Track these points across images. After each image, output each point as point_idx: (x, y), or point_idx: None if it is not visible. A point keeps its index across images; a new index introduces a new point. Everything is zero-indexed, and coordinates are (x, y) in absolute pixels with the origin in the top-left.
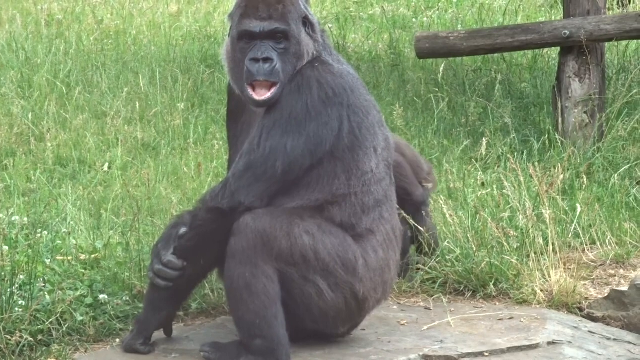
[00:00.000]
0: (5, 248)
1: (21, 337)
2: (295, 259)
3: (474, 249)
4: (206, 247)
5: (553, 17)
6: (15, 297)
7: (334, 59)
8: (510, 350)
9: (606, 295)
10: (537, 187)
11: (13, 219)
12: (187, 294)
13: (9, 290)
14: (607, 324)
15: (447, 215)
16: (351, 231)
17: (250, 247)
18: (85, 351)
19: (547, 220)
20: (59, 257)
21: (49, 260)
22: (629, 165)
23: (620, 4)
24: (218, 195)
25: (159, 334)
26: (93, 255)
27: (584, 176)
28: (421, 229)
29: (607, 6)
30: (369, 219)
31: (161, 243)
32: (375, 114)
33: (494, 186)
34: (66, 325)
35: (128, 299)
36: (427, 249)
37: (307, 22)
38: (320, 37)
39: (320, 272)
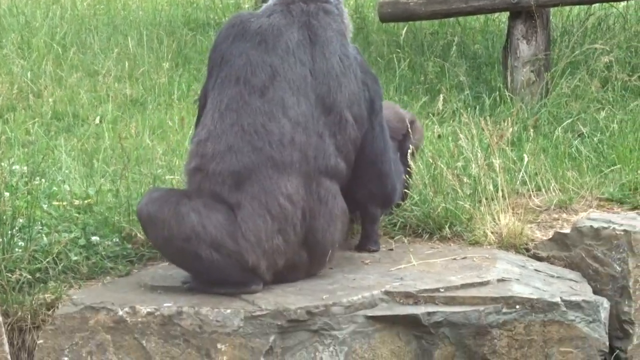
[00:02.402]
0: (7, 194)
1: (21, 274)
2: (187, 234)
3: (431, 195)
4: None
5: None
6: (15, 239)
7: (270, 10)
8: (464, 286)
9: (550, 237)
10: (488, 139)
11: (13, 167)
12: None
13: (9, 232)
14: (551, 263)
15: None
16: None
17: (144, 229)
18: (79, 287)
19: (497, 169)
20: (55, 203)
21: (46, 206)
22: (571, 120)
23: None
24: None
25: (145, 275)
26: (86, 201)
27: (531, 129)
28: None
29: None
30: (235, 190)
31: None
32: (240, 66)
33: (450, 138)
34: (61, 264)
35: (118, 240)
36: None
37: None
38: None
39: (211, 244)
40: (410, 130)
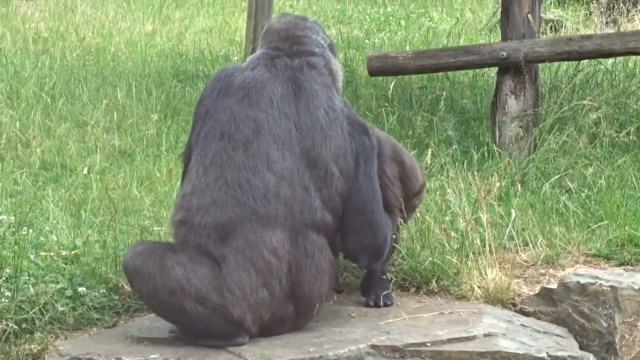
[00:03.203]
0: None
1: (7, 325)
2: (172, 287)
3: (419, 249)
4: None
5: (492, 40)
6: (1, 289)
7: (254, 63)
8: (450, 341)
9: (537, 292)
10: (475, 194)
11: (0, 217)
12: None
13: None
14: (538, 318)
15: None
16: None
17: (130, 282)
18: (65, 338)
19: (485, 224)
20: (42, 253)
21: (33, 256)
22: (559, 175)
23: (552, 28)
24: None
25: (131, 326)
26: (73, 252)
27: (519, 184)
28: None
29: (541, 31)
30: (219, 244)
31: None
32: (225, 121)
33: (437, 192)
34: (48, 315)
35: (105, 291)
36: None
37: None
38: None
39: (195, 298)
40: (419, 194)
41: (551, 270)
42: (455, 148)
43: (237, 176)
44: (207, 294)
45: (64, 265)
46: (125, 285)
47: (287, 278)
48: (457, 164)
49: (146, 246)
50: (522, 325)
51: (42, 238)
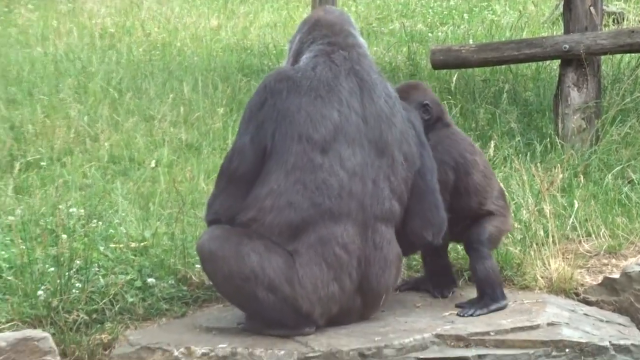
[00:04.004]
0: (64, 236)
1: (78, 315)
2: (246, 274)
3: None
4: None
5: (555, 33)
6: (73, 280)
7: (313, 62)
8: (514, 330)
9: (600, 282)
10: (539, 185)
11: (71, 210)
12: None
13: (67, 274)
14: (601, 308)
15: None
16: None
17: (203, 265)
18: (135, 328)
19: (548, 215)
20: (112, 245)
21: (103, 248)
22: (621, 166)
23: (615, 21)
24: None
25: (200, 316)
26: (142, 243)
27: (581, 176)
28: (475, 268)
29: (603, 23)
30: (291, 241)
31: None
32: (301, 123)
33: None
34: (118, 306)
35: (173, 282)
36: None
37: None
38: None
39: (268, 287)
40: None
41: (613, 260)
42: (518, 140)
43: (314, 178)
44: (279, 284)
45: (133, 257)
46: (193, 277)
47: (357, 272)
48: (520, 155)
49: (223, 231)
50: (585, 314)
51: (111, 230)
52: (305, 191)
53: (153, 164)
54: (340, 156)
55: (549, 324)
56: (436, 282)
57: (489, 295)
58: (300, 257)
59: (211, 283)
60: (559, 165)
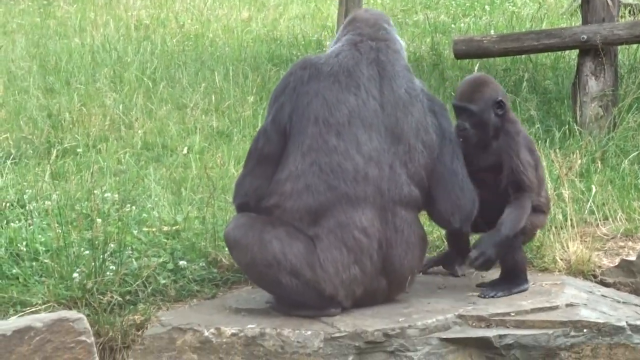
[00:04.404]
0: (99, 221)
1: (112, 297)
2: (269, 260)
3: None
4: None
5: (573, 24)
6: (107, 263)
7: (337, 49)
8: (534, 310)
9: (617, 264)
10: (558, 171)
11: (106, 195)
12: None
13: (101, 256)
14: (618, 289)
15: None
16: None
17: (230, 252)
18: (167, 309)
19: (567, 199)
20: (145, 229)
21: (136, 231)
22: (637, 152)
23: (631, 12)
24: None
25: (229, 297)
26: (174, 227)
27: (599, 161)
28: (505, 258)
29: (620, 14)
30: (312, 225)
31: None
32: (318, 106)
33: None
34: (150, 287)
35: (204, 264)
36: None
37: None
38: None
39: (290, 272)
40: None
41: (630, 243)
42: (538, 127)
43: (329, 160)
44: (301, 269)
45: (166, 240)
46: (223, 259)
47: (378, 254)
48: (539, 142)
49: (247, 219)
50: (603, 295)
51: (144, 214)
52: (321, 174)
53: (185, 151)
54: (356, 140)
55: (567, 305)
56: (459, 259)
57: (513, 280)
58: (321, 242)
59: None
60: (577, 151)
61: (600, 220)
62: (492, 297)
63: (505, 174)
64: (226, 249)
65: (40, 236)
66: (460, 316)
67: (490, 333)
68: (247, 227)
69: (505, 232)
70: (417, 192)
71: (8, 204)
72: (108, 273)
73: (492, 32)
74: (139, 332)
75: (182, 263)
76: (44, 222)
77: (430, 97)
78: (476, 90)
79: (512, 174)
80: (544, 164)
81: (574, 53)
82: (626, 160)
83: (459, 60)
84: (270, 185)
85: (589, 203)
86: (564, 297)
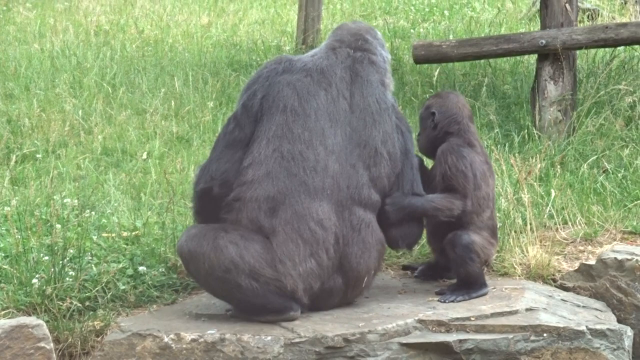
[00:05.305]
0: (58, 226)
1: (71, 303)
2: (226, 265)
3: None
4: None
5: (532, 29)
6: (66, 269)
7: (314, 52)
8: (494, 315)
9: (576, 268)
10: (517, 175)
11: (65, 201)
12: None
13: (60, 262)
14: (577, 293)
15: None
16: (260, 232)
17: (186, 265)
18: (127, 315)
19: (526, 204)
20: (104, 234)
21: (96, 237)
22: (596, 156)
23: (590, 17)
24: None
25: (189, 303)
26: (133, 233)
27: (558, 165)
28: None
29: (578, 19)
30: (270, 216)
31: None
32: (288, 95)
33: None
34: (110, 293)
35: (164, 270)
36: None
37: None
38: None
39: (249, 274)
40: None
41: (590, 247)
42: (497, 131)
43: (292, 148)
44: (260, 269)
45: (125, 246)
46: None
47: (335, 250)
48: (499, 146)
49: (199, 229)
50: (562, 299)
51: (104, 220)
52: (282, 161)
53: (145, 156)
54: (322, 133)
55: (527, 309)
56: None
57: (472, 285)
58: (276, 237)
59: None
60: (536, 155)
61: (559, 225)
62: (452, 301)
63: (437, 180)
64: None
65: None
66: (420, 321)
67: (451, 338)
68: (200, 236)
69: (411, 202)
70: (377, 198)
71: None
72: (67, 279)
73: (451, 37)
74: (99, 338)
75: (141, 269)
76: (3, 228)
77: (400, 115)
78: (429, 99)
79: (442, 180)
80: (504, 167)
81: (533, 58)
82: (585, 164)
83: (418, 65)
84: (203, 171)
85: (549, 207)
86: (524, 301)
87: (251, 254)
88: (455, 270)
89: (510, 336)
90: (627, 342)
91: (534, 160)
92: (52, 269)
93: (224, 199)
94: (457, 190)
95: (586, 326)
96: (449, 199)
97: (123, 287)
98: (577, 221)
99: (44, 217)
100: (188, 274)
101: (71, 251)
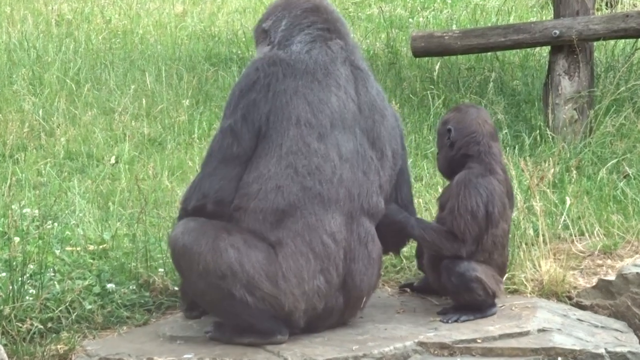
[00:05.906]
0: (17, 239)
1: (32, 324)
2: (222, 271)
3: None
4: None
5: (544, 17)
6: (26, 286)
7: (308, 46)
8: (502, 337)
9: (594, 284)
10: (528, 181)
11: (24, 211)
12: None
13: (20, 279)
14: (595, 312)
15: None
16: (265, 241)
17: (176, 260)
18: (94, 338)
19: (538, 213)
20: (68, 248)
21: (59, 251)
22: (616, 160)
23: (608, 4)
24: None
25: (163, 324)
26: (101, 246)
27: (574, 170)
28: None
29: (596, 7)
30: (275, 228)
31: None
32: (300, 105)
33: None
34: (75, 313)
35: (135, 287)
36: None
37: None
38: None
39: (246, 285)
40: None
41: (609, 261)
42: (506, 132)
43: (308, 163)
44: (259, 282)
45: (92, 261)
46: (157, 280)
47: (343, 266)
48: (507, 149)
49: (198, 223)
50: (579, 319)
51: (67, 232)
52: (296, 176)
53: (113, 161)
54: (337, 143)
55: (539, 330)
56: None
57: (477, 302)
58: (283, 249)
59: (180, 283)
60: (549, 159)
61: (575, 236)
62: (456, 321)
63: (448, 205)
64: (160, 270)
65: None
66: (420, 343)
67: None
68: (199, 232)
69: (403, 221)
70: (382, 205)
71: None
72: (27, 297)
73: (454, 27)
74: None
75: (110, 286)
76: None
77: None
78: (447, 113)
79: (449, 213)
80: (513, 172)
81: (545, 50)
82: (604, 169)
83: (417, 59)
84: (190, 190)
85: (563, 217)
86: (535, 321)
87: (252, 263)
88: (455, 300)
89: None
90: None
91: (546, 165)
92: (11, 287)
93: (219, 217)
94: (456, 234)
95: (605, 349)
96: (442, 239)
97: (89, 307)
98: (595, 232)
99: (1, 229)
100: (175, 268)
101: (31, 267)
